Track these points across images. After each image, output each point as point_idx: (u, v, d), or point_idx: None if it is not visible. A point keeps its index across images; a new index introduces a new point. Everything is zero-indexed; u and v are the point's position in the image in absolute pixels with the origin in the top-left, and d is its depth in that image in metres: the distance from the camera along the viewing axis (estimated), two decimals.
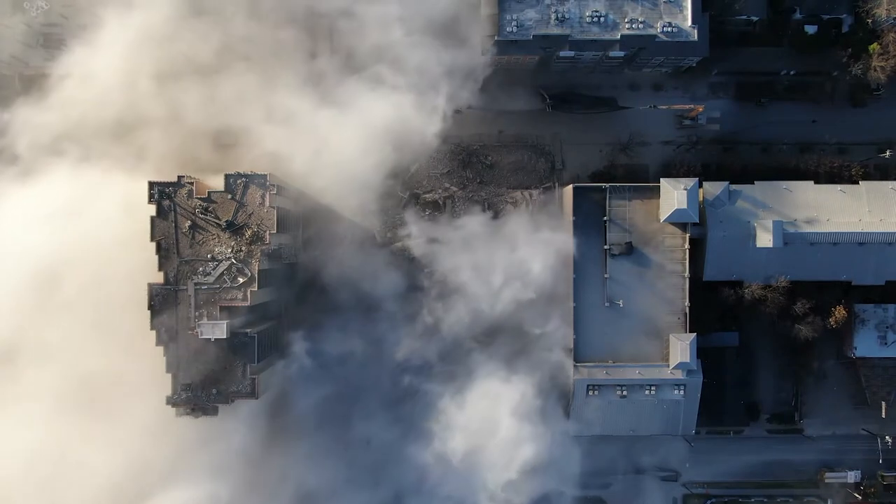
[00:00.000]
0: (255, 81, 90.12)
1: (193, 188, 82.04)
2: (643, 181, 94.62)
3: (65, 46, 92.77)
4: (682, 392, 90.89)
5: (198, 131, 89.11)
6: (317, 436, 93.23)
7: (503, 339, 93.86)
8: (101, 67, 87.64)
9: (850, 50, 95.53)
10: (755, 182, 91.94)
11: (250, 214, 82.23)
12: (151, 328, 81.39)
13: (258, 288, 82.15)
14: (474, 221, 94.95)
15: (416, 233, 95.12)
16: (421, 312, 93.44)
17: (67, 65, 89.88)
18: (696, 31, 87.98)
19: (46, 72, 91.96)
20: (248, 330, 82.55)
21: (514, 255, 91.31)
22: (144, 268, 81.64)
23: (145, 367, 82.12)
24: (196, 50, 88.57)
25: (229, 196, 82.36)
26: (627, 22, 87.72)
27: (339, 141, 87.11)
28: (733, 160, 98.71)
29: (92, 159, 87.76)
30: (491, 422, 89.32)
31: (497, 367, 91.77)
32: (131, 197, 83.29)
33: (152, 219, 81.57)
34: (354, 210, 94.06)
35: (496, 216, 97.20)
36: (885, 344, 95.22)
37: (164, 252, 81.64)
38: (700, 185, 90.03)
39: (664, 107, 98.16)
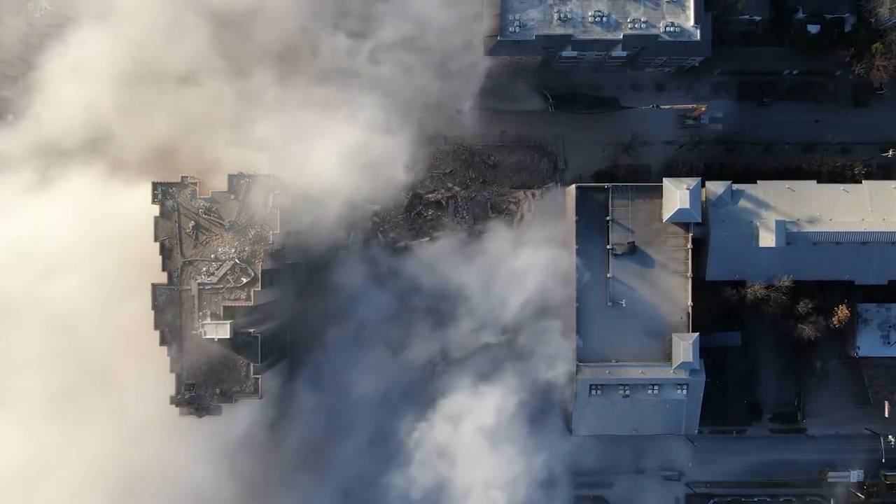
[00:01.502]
0: (234, 96, 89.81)
1: (196, 188, 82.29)
2: (646, 181, 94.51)
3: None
4: (684, 391, 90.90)
5: (174, 140, 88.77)
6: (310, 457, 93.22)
7: (502, 345, 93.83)
8: (74, 76, 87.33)
9: (852, 49, 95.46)
10: (758, 182, 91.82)
11: (253, 215, 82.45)
12: (155, 328, 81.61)
13: (261, 288, 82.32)
14: (458, 239, 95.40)
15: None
16: (418, 320, 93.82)
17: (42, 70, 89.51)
18: (698, 30, 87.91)
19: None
20: (252, 330, 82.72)
21: (515, 262, 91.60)
22: (140, 268, 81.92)
23: (148, 368, 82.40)
24: (174, 61, 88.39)
25: (232, 196, 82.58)
26: (630, 22, 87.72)
27: (316, 164, 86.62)
28: (736, 160, 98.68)
29: (73, 166, 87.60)
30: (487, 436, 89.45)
31: (496, 375, 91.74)
32: (121, 200, 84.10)
33: (156, 219, 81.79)
34: (353, 211, 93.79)
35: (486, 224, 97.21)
36: (888, 343, 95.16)
37: (168, 252, 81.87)
38: (703, 185, 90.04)
39: (666, 107, 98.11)
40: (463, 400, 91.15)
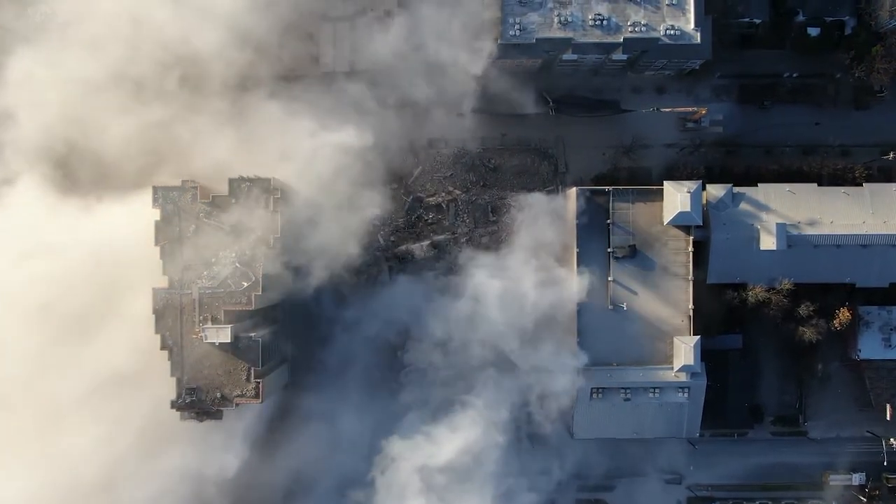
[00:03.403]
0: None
1: (197, 192, 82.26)
2: (646, 184, 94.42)
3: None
4: (686, 394, 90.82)
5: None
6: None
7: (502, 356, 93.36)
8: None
9: (852, 52, 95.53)
10: (758, 184, 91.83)
11: (254, 218, 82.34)
12: (156, 332, 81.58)
13: (262, 292, 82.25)
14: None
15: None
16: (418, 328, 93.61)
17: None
18: (698, 33, 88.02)
19: None
20: (252, 334, 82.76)
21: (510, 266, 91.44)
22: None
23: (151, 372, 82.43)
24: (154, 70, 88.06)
25: (233, 200, 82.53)
26: (630, 25, 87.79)
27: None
28: (736, 163, 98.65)
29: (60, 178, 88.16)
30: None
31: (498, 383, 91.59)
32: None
33: (156, 223, 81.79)
34: (353, 214, 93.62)
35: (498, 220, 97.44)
36: (890, 346, 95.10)
37: (169, 256, 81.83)
38: (703, 188, 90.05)
39: (667, 109, 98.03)
40: (464, 405, 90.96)
